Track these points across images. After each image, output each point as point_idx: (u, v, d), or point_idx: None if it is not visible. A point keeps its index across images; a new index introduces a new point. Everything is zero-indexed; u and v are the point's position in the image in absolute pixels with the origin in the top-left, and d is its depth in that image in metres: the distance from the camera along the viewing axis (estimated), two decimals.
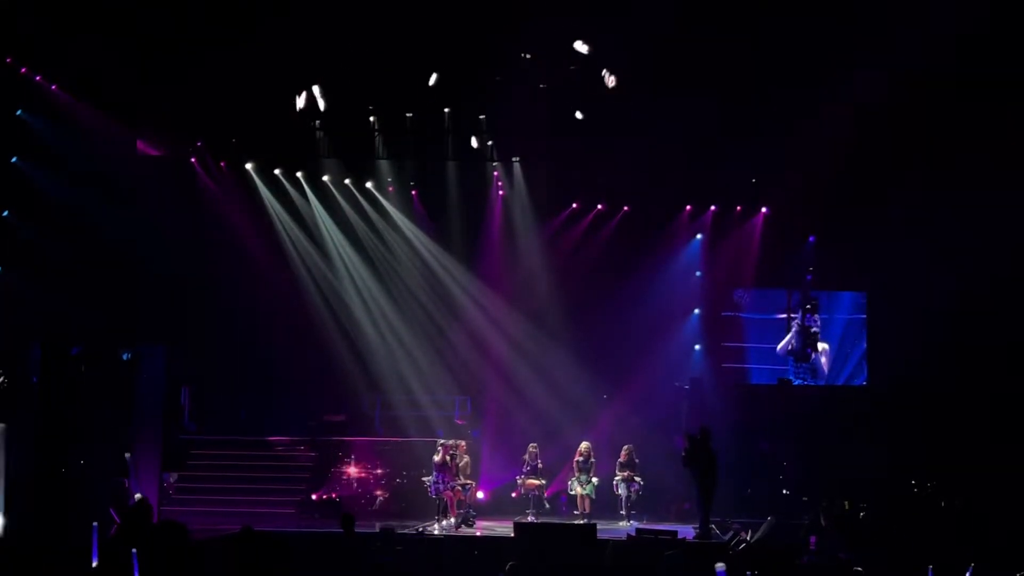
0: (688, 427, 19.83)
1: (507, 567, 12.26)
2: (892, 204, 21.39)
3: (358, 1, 19.15)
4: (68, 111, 20.48)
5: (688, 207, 24.16)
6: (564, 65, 20.22)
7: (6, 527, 16.64)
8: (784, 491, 21.38)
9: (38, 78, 20.24)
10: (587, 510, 19.89)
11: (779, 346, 23.74)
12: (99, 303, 20.21)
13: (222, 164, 23.42)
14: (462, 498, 19.33)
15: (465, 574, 14.95)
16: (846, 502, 18.80)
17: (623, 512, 20.07)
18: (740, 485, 20.96)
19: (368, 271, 24.10)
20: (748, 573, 11.56)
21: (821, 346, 23.35)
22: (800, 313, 23.11)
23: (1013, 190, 20.37)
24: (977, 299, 21.06)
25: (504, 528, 18.24)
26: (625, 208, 24.00)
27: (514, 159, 23.33)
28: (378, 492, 21.44)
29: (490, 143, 22.55)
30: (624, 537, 16.65)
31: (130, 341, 19.45)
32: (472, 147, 22.30)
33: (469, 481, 19.73)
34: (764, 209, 23.77)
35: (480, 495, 20.88)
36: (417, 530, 17.86)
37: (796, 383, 23.24)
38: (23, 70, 20.06)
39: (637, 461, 20.40)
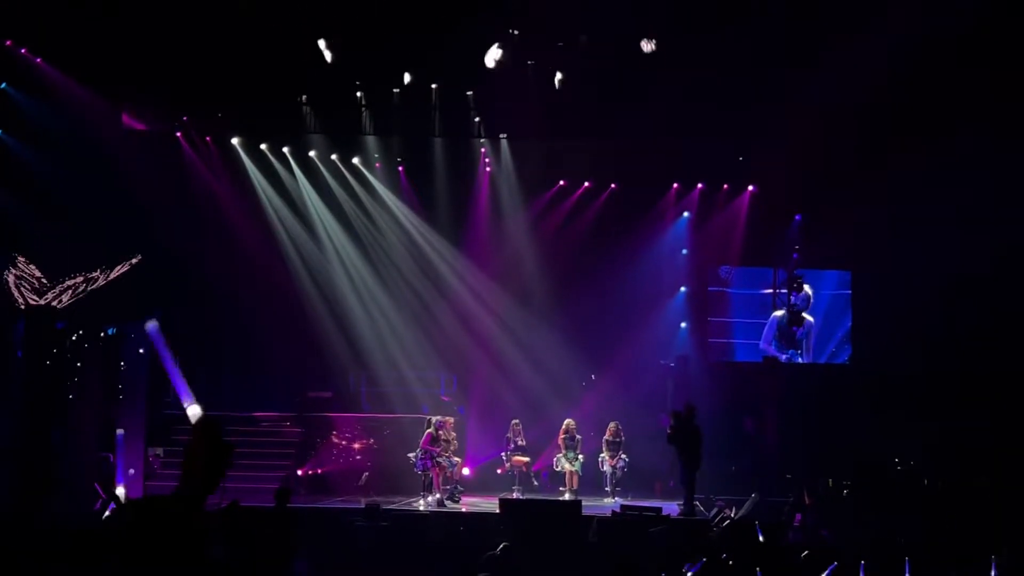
0: (673, 405, 19.92)
1: (499, 548, 12.31)
2: (878, 183, 21.41)
3: None
4: (53, 85, 20.35)
5: (675, 185, 24.15)
6: (552, 41, 20.18)
7: None
8: (767, 470, 21.46)
9: (23, 51, 20.10)
10: (575, 486, 19.97)
11: (761, 343, 23.75)
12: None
13: (208, 139, 23.31)
14: (448, 474, 19.40)
15: (451, 550, 14.98)
16: (829, 480, 18.93)
17: (608, 489, 20.16)
18: (724, 462, 21.05)
19: (354, 247, 24.06)
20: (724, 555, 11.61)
21: (807, 318, 23.37)
22: (786, 291, 23.15)
23: (1001, 170, 20.42)
24: (961, 278, 21.12)
25: (490, 504, 18.31)
26: (612, 186, 23.99)
27: (501, 136, 23.28)
28: (364, 468, 21.47)
29: (477, 120, 22.49)
30: (609, 514, 16.75)
31: (115, 316, 19.43)
32: (459, 124, 22.26)
33: (455, 457, 19.80)
34: (751, 187, 23.80)
35: (466, 471, 20.94)
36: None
37: (783, 358, 23.30)
38: (7, 43, 19.92)
39: (622, 439, 20.47)
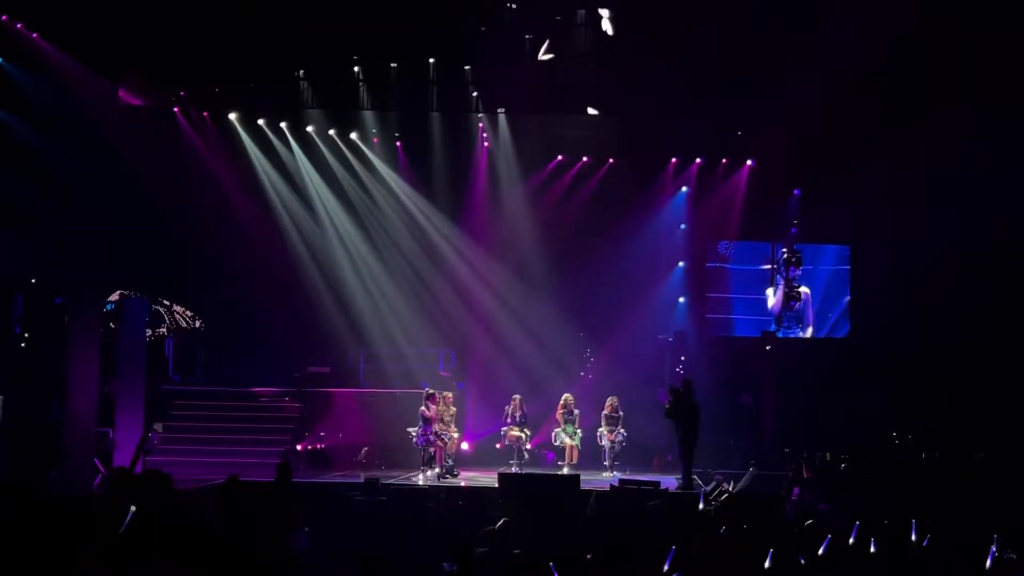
0: (671, 379, 19.94)
1: (498, 524, 12.36)
2: (878, 158, 21.39)
3: None
4: (49, 60, 20.26)
5: (674, 160, 24.07)
6: (550, 15, 20.13)
7: None
8: (765, 444, 21.52)
9: (19, 26, 20.01)
10: (574, 460, 20.00)
11: (770, 305, 23.72)
12: (81, 254, 20.11)
13: (205, 114, 23.24)
14: (447, 449, 19.43)
15: (450, 524, 15.02)
16: (827, 454, 18.99)
17: (606, 463, 20.19)
18: (722, 437, 21.09)
19: (352, 222, 24.02)
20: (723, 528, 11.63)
21: (803, 290, 23.36)
22: (783, 265, 23.15)
23: (1001, 145, 20.38)
24: (959, 253, 21.14)
25: (488, 479, 18.35)
26: (610, 161, 23.93)
27: (499, 110, 23.20)
28: (363, 443, 21.52)
29: (475, 94, 22.43)
30: (607, 488, 16.79)
31: (113, 292, 19.44)
32: (457, 98, 22.21)
33: (454, 432, 19.82)
34: (750, 162, 23.74)
35: (464, 446, 20.98)
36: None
37: (780, 334, 23.30)
38: (3, 17, 19.82)
39: (621, 413, 20.49)
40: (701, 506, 15.34)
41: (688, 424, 18.03)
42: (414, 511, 16.21)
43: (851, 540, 10.84)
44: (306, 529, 12.54)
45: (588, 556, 9.11)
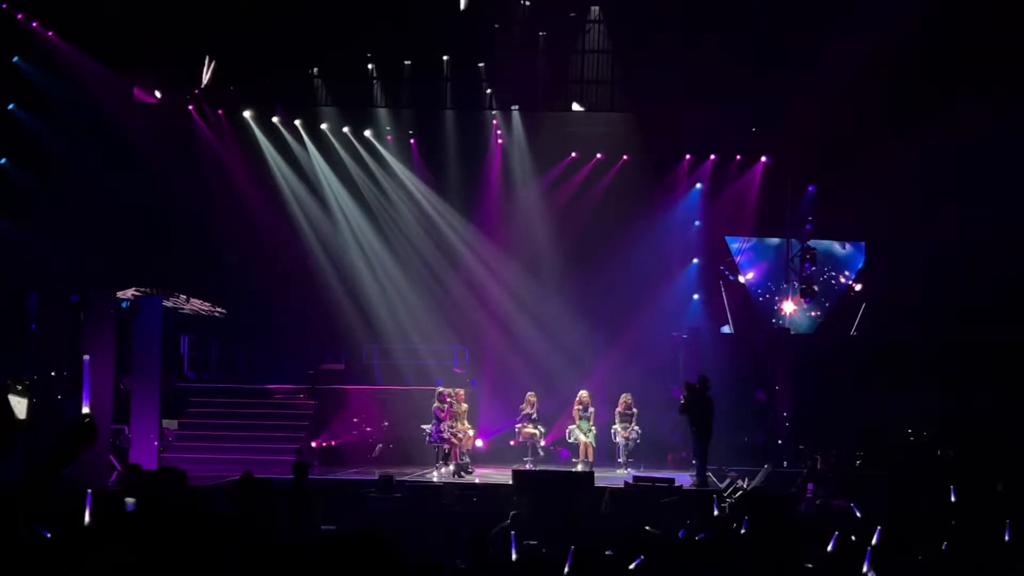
0: (686, 376, 19.91)
1: (510, 516, 12.37)
2: (892, 154, 21.32)
3: None
4: (65, 58, 20.34)
5: (688, 156, 24.04)
6: (564, 12, 20.13)
7: None
8: (779, 441, 21.48)
9: (35, 24, 20.08)
10: (589, 457, 19.96)
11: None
12: (97, 251, 20.20)
13: (220, 112, 23.29)
14: (461, 446, 19.43)
15: (464, 520, 15.03)
16: (842, 451, 18.93)
17: (621, 460, 20.17)
18: (737, 433, 21.06)
19: (366, 220, 24.06)
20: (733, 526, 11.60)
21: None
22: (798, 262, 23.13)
23: (1015, 138, 20.30)
24: (975, 249, 21.05)
25: (502, 476, 18.35)
26: (624, 157, 23.88)
27: (513, 107, 23.19)
28: (376, 440, 21.55)
29: (489, 91, 22.43)
30: (622, 484, 16.78)
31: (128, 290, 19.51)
32: (470, 96, 22.22)
33: (469, 429, 19.81)
34: (764, 158, 23.68)
35: (479, 443, 20.96)
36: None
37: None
38: (19, 16, 19.90)
39: (635, 410, 20.46)
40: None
41: (703, 421, 18.00)
42: (428, 508, 16.24)
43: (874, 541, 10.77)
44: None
45: (608, 552, 9.04)
